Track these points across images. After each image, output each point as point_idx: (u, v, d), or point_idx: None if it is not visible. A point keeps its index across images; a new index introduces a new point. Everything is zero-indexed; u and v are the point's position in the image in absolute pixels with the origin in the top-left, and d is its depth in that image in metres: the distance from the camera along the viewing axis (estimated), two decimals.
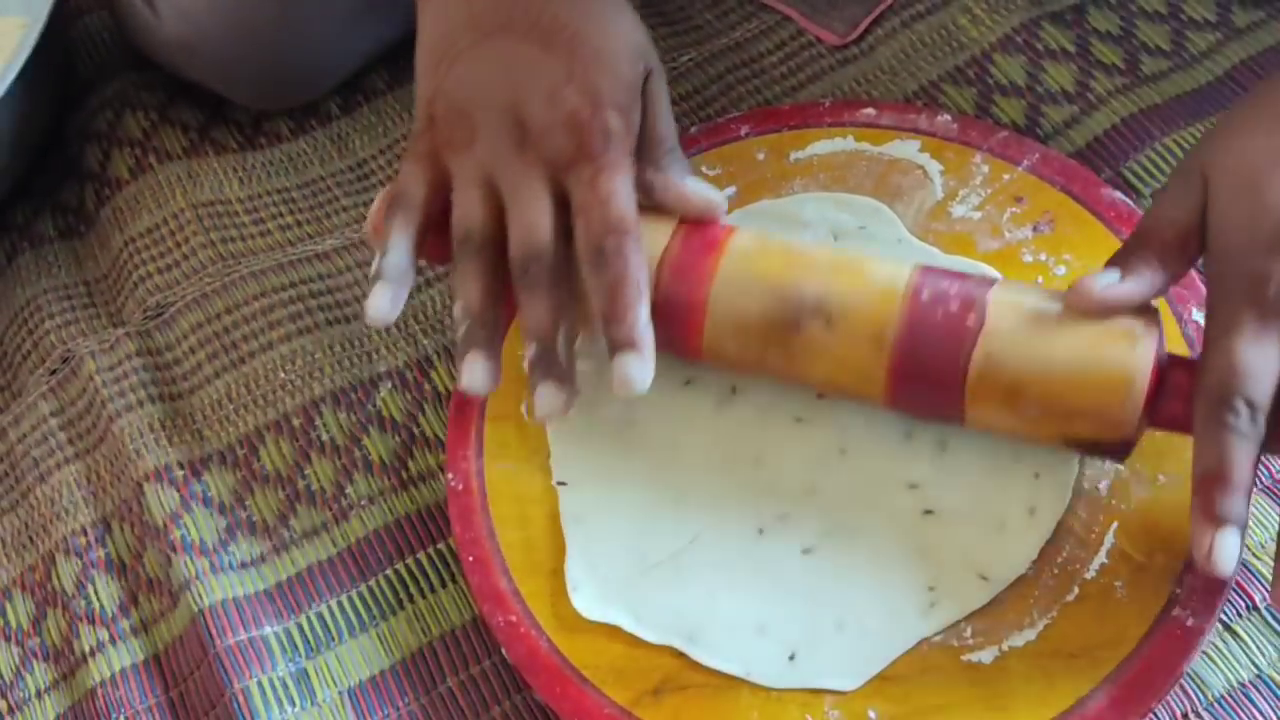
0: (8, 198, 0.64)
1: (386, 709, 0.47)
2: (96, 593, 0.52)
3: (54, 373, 0.58)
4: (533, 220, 0.44)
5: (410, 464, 0.52)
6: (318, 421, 0.54)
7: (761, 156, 0.55)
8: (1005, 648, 0.43)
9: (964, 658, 0.43)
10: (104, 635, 0.51)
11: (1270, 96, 0.42)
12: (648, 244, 0.45)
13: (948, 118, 0.54)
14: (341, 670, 0.48)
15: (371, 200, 0.61)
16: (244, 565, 0.51)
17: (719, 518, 0.47)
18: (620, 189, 0.44)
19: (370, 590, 0.50)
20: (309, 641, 0.49)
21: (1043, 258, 0.50)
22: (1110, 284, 0.41)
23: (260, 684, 0.47)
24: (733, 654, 0.44)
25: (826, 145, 0.55)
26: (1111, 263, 0.42)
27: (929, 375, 0.42)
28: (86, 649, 0.51)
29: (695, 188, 0.46)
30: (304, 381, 0.55)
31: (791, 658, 0.44)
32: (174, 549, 0.51)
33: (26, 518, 0.55)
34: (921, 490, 0.46)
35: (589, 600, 0.46)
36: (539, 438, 0.50)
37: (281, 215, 0.61)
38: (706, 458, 0.48)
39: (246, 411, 0.54)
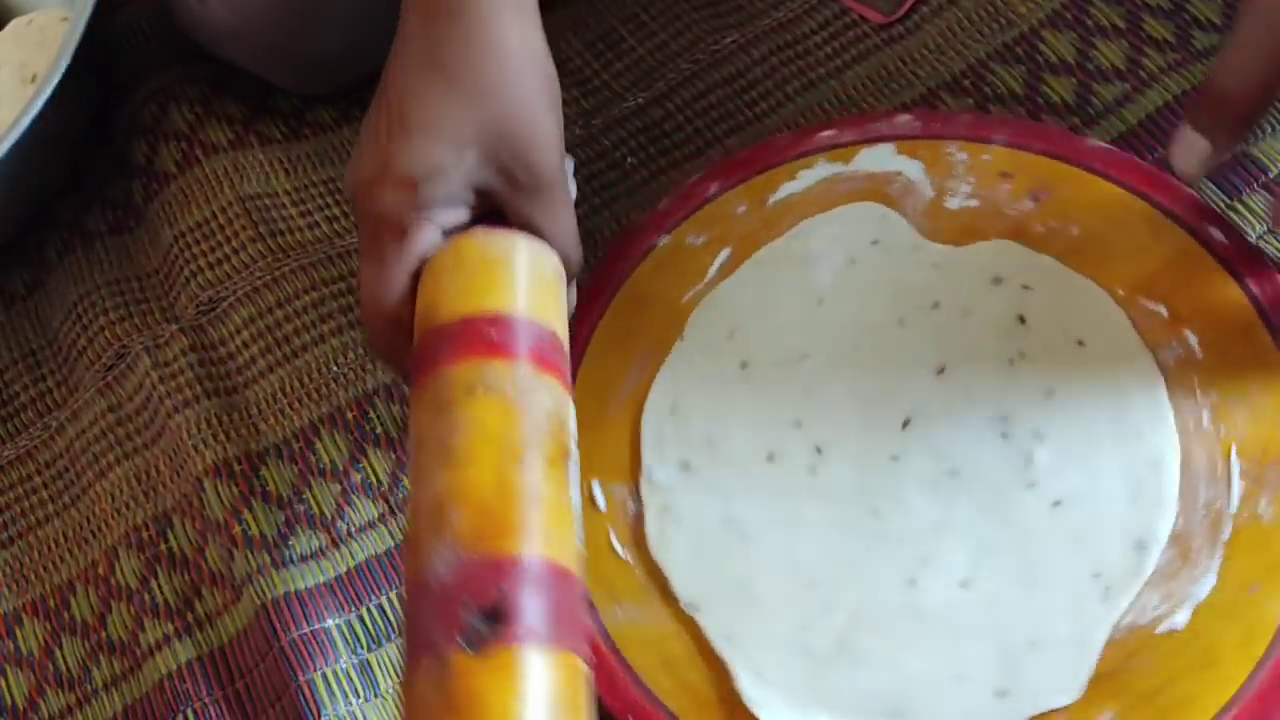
0: (57, 192, 0.65)
1: None
2: (160, 587, 0.53)
3: (109, 369, 0.58)
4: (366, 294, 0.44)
5: None
6: (371, 415, 0.54)
7: (742, 210, 0.54)
8: (1193, 605, 0.43)
9: (1158, 630, 0.43)
10: (169, 629, 0.52)
11: None
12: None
13: (908, 116, 0.53)
14: (403, 661, 0.49)
15: None
16: (304, 558, 0.51)
17: (865, 583, 0.45)
18: (370, 285, 0.43)
19: None
20: (370, 633, 0.50)
21: (1053, 225, 0.50)
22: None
23: (324, 676, 0.48)
24: (945, 712, 0.43)
25: (804, 177, 0.53)
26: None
27: None
28: (152, 642, 0.51)
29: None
30: (356, 374, 0.55)
31: (1001, 694, 0.43)
32: (235, 544, 0.51)
33: (87, 513, 0.56)
34: (1041, 486, 0.45)
35: (780, 713, 0.44)
36: (646, 566, 0.47)
37: (328, 206, 0.61)
38: (825, 528, 0.47)
39: (301, 405, 0.55)
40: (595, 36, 0.64)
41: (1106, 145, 0.51)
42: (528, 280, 0.43)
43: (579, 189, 0.59)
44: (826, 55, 0.60)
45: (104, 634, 0.53)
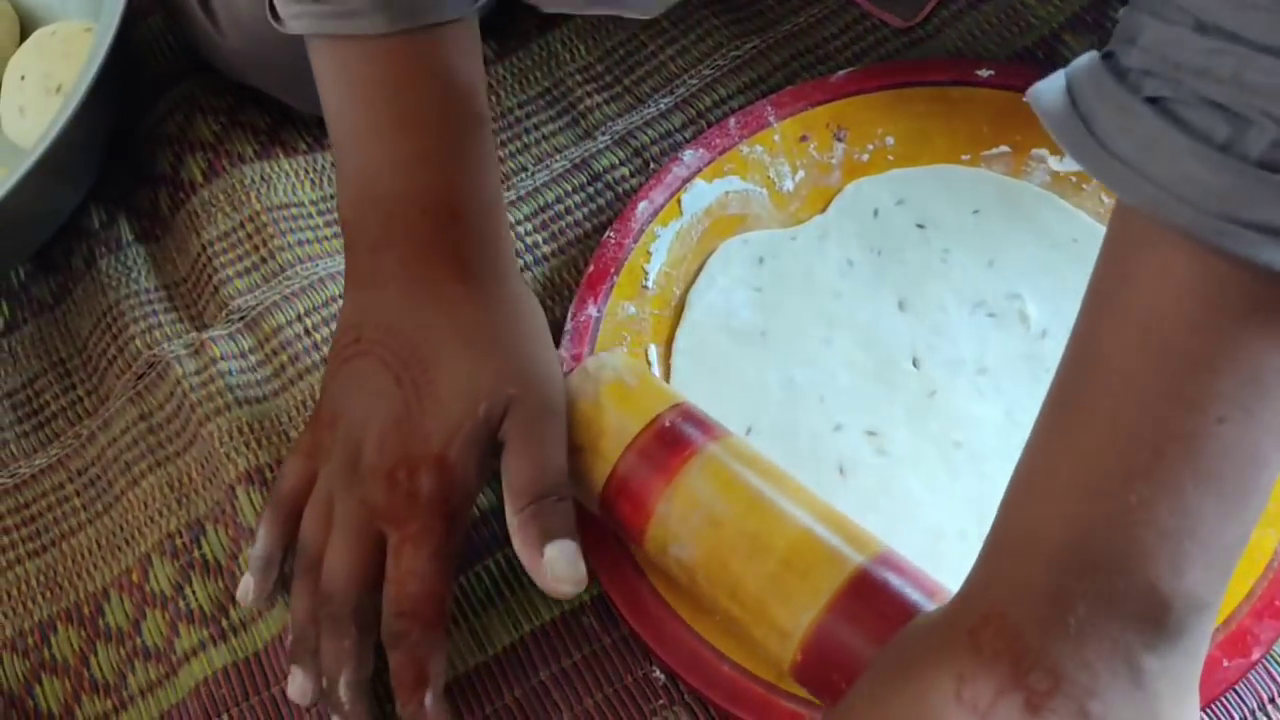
0: (82, 202, 0.65)
1: (483, 702, 0.48)
2: (194, 594, 0.53)
3: (140, 378, 0.59)
4: (337, 563, 0.45)
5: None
6: None
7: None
8: None
9: None
10: (204, 635, 0.52)
11: (916, 650, 0.37)
12: (622, 427, 0.45)
13: (691, 151, 0.57)
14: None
15: None
16: None
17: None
18: (419, 568, 0.44)
19: (461, 587, 0.51)
20: None
21: (871, 147, 0.56)
22: None
23: None
24: None
25: (656, 250, 0.55)
26: None
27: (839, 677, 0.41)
28: (187, 649, 0.52)
29: (551, 560, 0.44)
30: None
31: None
32: None
33: (120, 520, 0.56)
34: (1051, 331, 0.51)
35: None
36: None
37: None
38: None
39: None
40: (616, 43, 0.64)
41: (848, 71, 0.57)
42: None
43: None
44: (847, 60, 0.60)
45: (139, 641, 0.53)
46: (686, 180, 0.56)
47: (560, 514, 0.44)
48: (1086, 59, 0.34)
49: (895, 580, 0.42)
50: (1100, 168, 0.33)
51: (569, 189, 0.60)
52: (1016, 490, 0.37)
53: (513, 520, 0.44)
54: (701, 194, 0.56)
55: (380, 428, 0.45)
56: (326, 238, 0.61)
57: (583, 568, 0.44)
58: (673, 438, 0.45)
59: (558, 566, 0.44)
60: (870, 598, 0.41)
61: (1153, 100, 0.32)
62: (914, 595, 0.41)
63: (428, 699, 0.44)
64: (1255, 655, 0.43)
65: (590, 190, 0.60)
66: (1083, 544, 0.34)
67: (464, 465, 0.45)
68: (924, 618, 0.39)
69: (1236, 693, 0.44)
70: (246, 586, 0.48)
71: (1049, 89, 0.34)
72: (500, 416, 0.45)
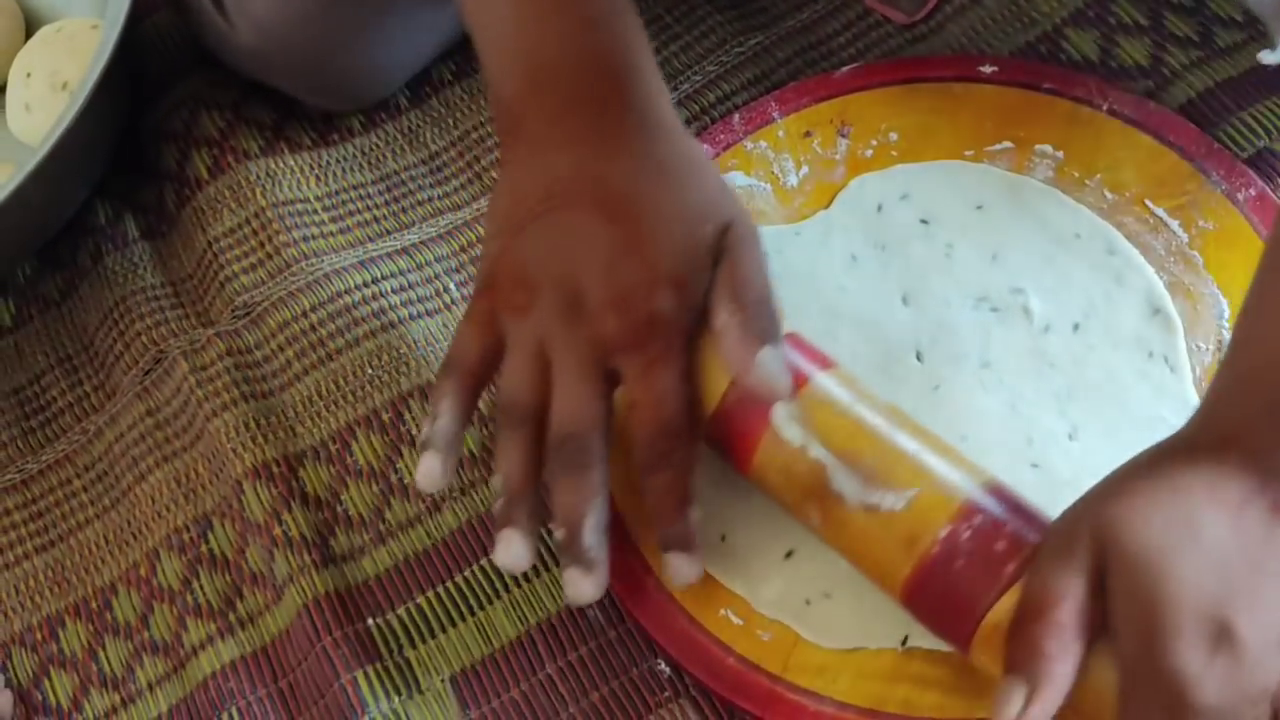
0: (88, 199, 0.65)
1: (490, 696, 0.49)
2: (202, 588, 0.53)
3: (147, 373, 0.59)
4: (576, 401, 0.44)
5: None
6: (406, 416, 0.55)
7: None
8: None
9: None
10: (211, 629, 0.52)
11: (1163, 460, 0.39)
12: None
13: None
14: (444, 659, 0.50)
15: (447, 194, 0.62)
16: (344, 558, 0.52)
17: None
18: (671, 386, 0.44)
19: (465, 580, 0.51)
20: (410, 632, 0.50)
21: (874, 143, 0.56)
22: (1017, 711, 0.37)
23: (366, 674, 0.49)
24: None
25: None
26: (1011, 666, 0.38)
27: (948, 605, 0.41)
28: (195, 642, 0.52)
29: (761, 365, 0.43)
30: (391, 377, 0.56)
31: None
32: (276, 544, 0.52)
33: (128, 515, 0.57)
34: (1055, 324, 0.51)
35: None
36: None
37: (359, 211, 0.62)
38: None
39: (337, 408, 0.56)
40: None
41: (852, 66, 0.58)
42: None
43: None
44: (851, 56, 0.60)
45: (147, 634, 0.54)
46: None
47: (774, 319, 0.45)
48: None
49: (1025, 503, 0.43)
50: None
51: None
52: (1247, 320, 0.40)
53: (729, 319, 0.44)
54: None
55: (604, 261, 0.45)
56: (332, 233, 0.61)
57: (789, 376, 0.44)
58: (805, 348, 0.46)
59: (769, 367, 0.43)
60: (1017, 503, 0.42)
61: None
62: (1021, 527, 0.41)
63: (694, 514, 0.44)
64: None
65: None
66: None
67: (696, 284, 0.45)
68: (1162, 441, 0.40)
69: None
70: (431, 468, 0.45)
71: None
72: (719, 238, 0.45)
